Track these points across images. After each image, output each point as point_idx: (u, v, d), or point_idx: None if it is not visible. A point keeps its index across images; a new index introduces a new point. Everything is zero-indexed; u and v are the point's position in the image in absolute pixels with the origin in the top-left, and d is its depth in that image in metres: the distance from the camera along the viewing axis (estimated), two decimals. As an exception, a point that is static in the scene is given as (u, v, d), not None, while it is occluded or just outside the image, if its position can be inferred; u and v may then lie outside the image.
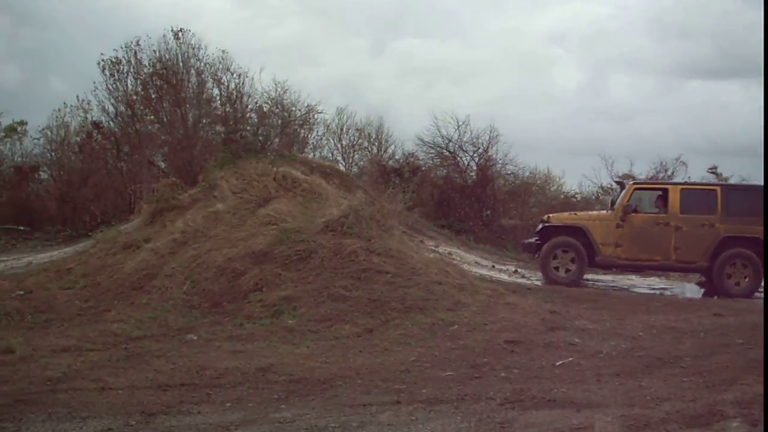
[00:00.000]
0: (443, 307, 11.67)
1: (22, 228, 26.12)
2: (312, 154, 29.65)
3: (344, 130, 35.29)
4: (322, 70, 58.71)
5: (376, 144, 35.62)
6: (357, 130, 35.55)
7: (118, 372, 8.77)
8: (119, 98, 27.31)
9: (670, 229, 17.59)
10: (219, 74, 26.87)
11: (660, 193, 18.23)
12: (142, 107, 27.40)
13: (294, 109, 27.33)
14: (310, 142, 31.99)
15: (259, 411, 7.25)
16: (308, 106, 27.45)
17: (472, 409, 7.23)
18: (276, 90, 27.13)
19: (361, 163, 35.92)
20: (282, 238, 13.52)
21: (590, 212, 20.32)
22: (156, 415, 7.18)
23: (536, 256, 18.71)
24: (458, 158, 30.62)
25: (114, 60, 27.15)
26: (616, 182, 21.71)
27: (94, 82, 27.74)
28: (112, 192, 27.97)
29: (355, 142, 35.67)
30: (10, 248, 22.84)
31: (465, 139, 30.24)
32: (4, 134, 31.39)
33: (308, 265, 12.83)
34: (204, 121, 26.78)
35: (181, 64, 26.69)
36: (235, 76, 26.82)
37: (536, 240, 18.58)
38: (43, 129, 30.67)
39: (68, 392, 8.02)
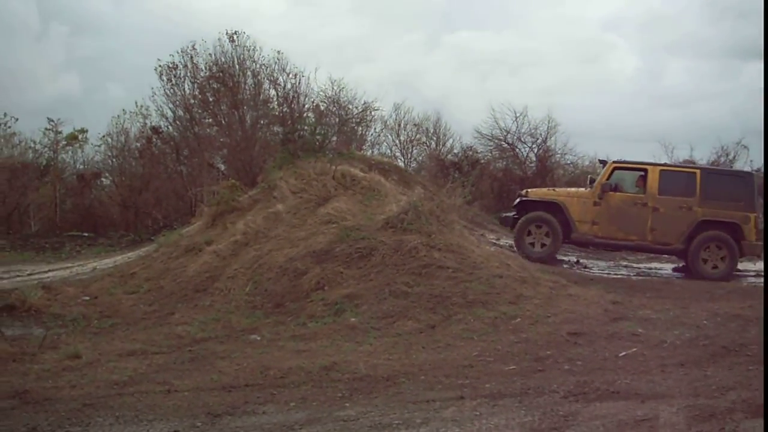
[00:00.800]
0: (505, 300, 11.60)
1: (86, 234, 26.50)
2: (370, 151, 29.73)
3: (402, 125, 35.26)
4: (378, 67, 58.84)
5: (434, 139, 35.55)
6: (415, 125, 35.51)
7: (183, 374, 8.85)
8: (177, 103, 27.61)
9: (647, 209, 17.57)
10: (275, 75, 27.03)
11: (642, 173, 18.04)
12: (200, 111, 27.66)
13: (351, 106, 27.46)
14: (368, 139, 32.08)
15: (324, 410, 7.27)
16: (365, 103, 27.54)
17: (535, 402, 7.19)
18: (332, 88, 27.30)
19: (420, 158, 35.91)
20: (342, 237, 13.56)
21: (569, 189, 20.31)
22: (221, 416, 7.24)
23: (513, 229, 18.61)
24: (517, 150, 30.57)
25: (171, 65, 27.44)
26: (599, 161, 21.45)
27: (152, 88, 28.07)
28: (173, 196, 28.35)
29: (413, 138, 35.62)
30: (75, 255, 23.16)
31: (523, 130, 30.19)
32: (65, 142, 31.90)
33: (369, 262, 12.83)
34: (262, 122, 26.95)
35: (237, 67, 26.88)
36: (291, 76, 26.97)
37: (514, 214, 18.65)
38: (104, 136, 31.18)
39: (134, 395, 8.12)
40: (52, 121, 31.40)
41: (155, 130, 29.43)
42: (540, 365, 8.71)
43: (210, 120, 28.00)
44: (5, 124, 33.86)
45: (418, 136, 35.75)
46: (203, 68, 27.50)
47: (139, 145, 30.29)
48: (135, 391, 8.30)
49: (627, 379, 7.98)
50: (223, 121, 27.14)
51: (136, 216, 28.51)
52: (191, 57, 27.26)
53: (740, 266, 18.25)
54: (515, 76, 62.90)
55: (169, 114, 28.11)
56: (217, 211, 16.10)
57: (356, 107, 27.81)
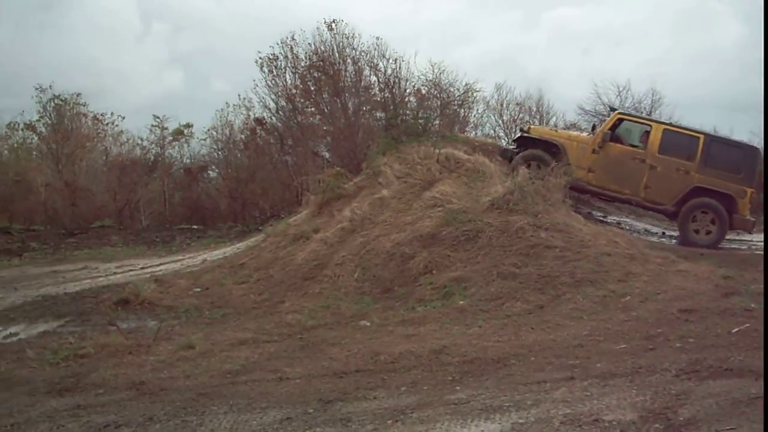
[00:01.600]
0: (614, 278, 11.45)
1: (195, 227, 27.06)
2: (473, 132, 29.50)
3: (504, 105, 34.86)
4: (477, 48, 58.50)
5: (538, 117, 35.06)
6: (517, 104, 35.07)
7: (294, 362, 9.00)
8: (279, 93, 27.90)
9: (644, 166, 17.19)
10: (375, 61, 27.02)
11: (647, 128, 17.63)
12: (302, 100, 27.91)
13: (452, 89, 27.27)
14: (471, 120, 31.82)
15: (434, 393, 7.32)
16: (466, 85, 27.31)
17: (647, 381, 7.11)
18: (433, 72, 27.15)
19: (524, 137, 35.56)
20: (449, 220, 13.57)
21: (570, 132, 19.90)
22: (333, 402, 7.35)
23: (509, 162, 18.07)
24: (621, 125, 30.03)
25: (271, 56, 27.73)
26: (609, 108, 20.77)
27: (254, 80, 28.40)
28: (279, 185, 28.69)
29: (516, 117, 35.18)
30: (185, 247, 23.65)
31: (627, 105, 29.58)
32: (172, 138, 32.59)
33: (476, 244, 12.83)
34: (364, 108, 27.02)
35: (336, 55, 27.00)
36: (390, 61, 26.94)
37: (513, 148, 18.53)
38: (209, 129, 31.77)
39: (247, 384, 8.30)
40: (158, 117, 32.17)
41: (259, 121, 29.83)
42: (651, 343, 8.59)
43: (312, 109, 28.22)
44: (113, 123, 34.86)
45: (521, 115, 35.38)
46: (303, 58, 27.71)
47: (243, 137, 30.76)
48: (248, 379, 8.48)
49: (740, 356, 7.82)
50: (326, 110, 27.31)
51: (243, 207, 28.94)
52: (291, 47, 27.51)
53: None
54: (617, 49, 61.78)
55: (272, 105, 28.45)
56: (323, 199, 16.26)
57: (457, 89, 27.57)
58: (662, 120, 18.20)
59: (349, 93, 26.68)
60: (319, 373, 8.45)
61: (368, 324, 10.62)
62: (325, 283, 12.85)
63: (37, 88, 33.40)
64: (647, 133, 17.49)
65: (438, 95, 26.76)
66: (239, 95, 31.27)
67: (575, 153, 17.52)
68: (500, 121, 34.85)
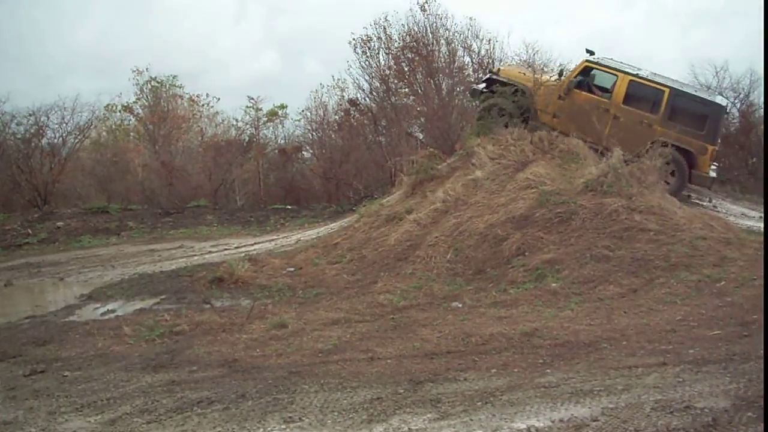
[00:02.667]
0: (709, 262, 11.31)
1: (289, 207, 27.36)
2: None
3: (599, 86, 34.54)
4: (572, 28, 57.68)
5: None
6: (613, 85, 34.71)
7: (386, 342, 9.12)
8: (373, 74, 28.13)
9: (608, 116, 17.14)
10: (468, 41, 27.07)
11: (614, 78, 17.55)
12: (395, 81, 28.07)
13: (546, 69, 27.09)
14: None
15: (525, 376, 7.35)
16: (560, 65, 27.07)
17: (741, 369, 7.00)
18: (526, 52, 26.98)
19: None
20: (542, 201, 13.55)
21: (542, 77, 19.16)
22: (423, 383, 7.43)
23: (479, 100, 18.46)
24: (719, 105, 29.38)
25: (365, 38, 27.99)
26: (586, 50, 20.29)
27: (348, 61, 28.70)
28: (372, 166, 28.85)
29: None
30: (279, 227, 23.95)
31: (724, 85, 28.89)
32: (266, 119, 32.98)
33: (569, 226, 12.79)
34: (458, 89, 27.02)
35: (430, 35, 27.08)
36: (484, 42, 26.94)
37: (482, 88, 18.59)
38: (303, 110, 32.18)
39: (339, 363, 8.44)
40: (253, 98, 32.62)
41: (353, 102, 30.05)
42: (746, 330, 8.45)
43: (406, 89, 28.33)
44: (208, 104, 35.51)
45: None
46: (397, 39, 27.90)
47: (337, 117, 31.03)
48: (339, 359, 8.62)
49: (841, 344, 7.69)
50: (419, 90, 27.38)
51: (337, 187, 29.16)
52: (384, 28, 27.71)
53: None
54: (715, 28, 60.28)
55: (366, 86, 28.70)
56: (417, 180, 16.33)
57: (552, 70, 27.43)
58: (631, 70, 17.87)
59: (443, 74, 26.74)
60: (410, 353, 8.55)
61: (460, 305, 10.68)
62: (418, 264, 12.95)
63: (134, 71, 34.33)
64: (613, 83, 17.50)
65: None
66: (333, 76, 31.64)
67: (541, 97, 17.76)
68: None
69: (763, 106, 14.64)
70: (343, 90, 31.12)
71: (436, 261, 12.86)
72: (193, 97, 35.97)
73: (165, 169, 30.99)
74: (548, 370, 7.48)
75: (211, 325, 10.85)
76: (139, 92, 34.87)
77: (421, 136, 28.06)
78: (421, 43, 27.07)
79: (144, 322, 11.55)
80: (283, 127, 33.85)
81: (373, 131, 29.79)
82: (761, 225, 15.76)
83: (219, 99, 36.79)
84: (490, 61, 26.82)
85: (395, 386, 7.39)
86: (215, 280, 13.82)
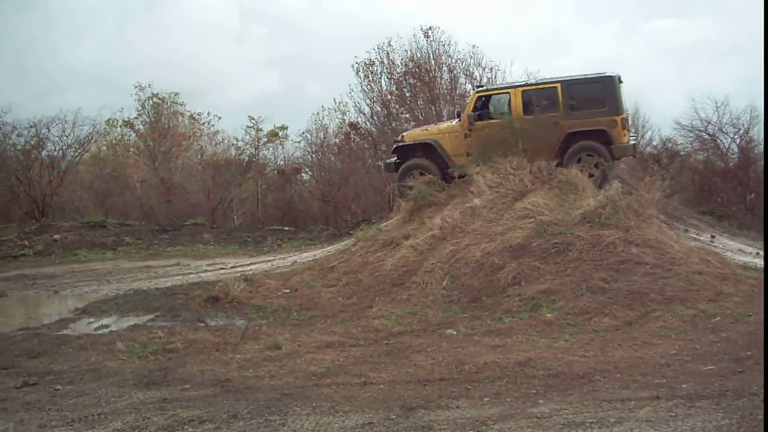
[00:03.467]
0: (704, 297, 11.29)
1: (287, 228, 27.43)
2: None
3: (599, 118, 34.62)
4: (574, 58, 58.05)
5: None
6: (613, 117, 34.79)
7: (379, 367, 9.13)
8: (374, 98, 28.31)
9: (515, 132, 17.12)
10: (471, 69, 27.24)
11: (507, 96, 17.78)
12: (396, 106, 28.23)
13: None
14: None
15: (517, 406, 7.35)
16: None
17: (734, 405, 7.00)
18: (527, 79, 27.13)
19: (618, 151, 35.13)
20: (539, 231, 13.56)
21: (440, 125, 19.58)
22: (416, 409, 7.44)
23: (396, 174, 18.73)
24: (718, 141, 29.44)
25: (367, 62, 28.17)
26: (477, 86, 20.94)
27: (350, 85, 28.99)
28: (371, 190, 28.96)
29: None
30: (276, 248, 23.95)
31: (724, 121, 29.03)
32: (266, 139, 33.14)
33: (566, 257, 12.80)
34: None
35: (432, 62, 27.26)
36: (486, 70, 27.09)
37: (395, 159, 18.82)
38: (303, 132, 32.45)
39: (332, 387, 8.46)
40: (254, 118, 32.88)
41: (353, 125, 30.19)
42: (740, 366, 8.44)
43: (407, 115, 28.46)
44: (209, 123, 35.69)
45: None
46: (399, 64, 28.09)
47: (337, 140, 31.21)
48: (332, 382, 8.64)
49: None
50: (420, 116, 27.48)
51: (335, 210, 29.23)
52: (387, 53, 27.91)
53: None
54: (715, 64, 60.57)
55: (367, 110, 28.89)
56: (415, 206, 16.36)
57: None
58: (519, 83, 18.51)
59: (444, 100, 26.89)
60: (403, 379, 8.56)
61: (454, 333, 10.68)
62: (414, 290, 12.96)
63: (136, 86, 34.53)
64: (508, 101, 17.69)
65: (534, 105, 26.73)
66: (334, 99, 31.72)
67: (450, 144, 17.96)
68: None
69: (763, 104, 14.69)
70: (344, 113, 31.35)
71: (432, 287, 12.87)
72: (194, 115, 36.21)
73: (164, 185, 31.10)
74: (541, 401, 7.48)
75: (205, 343, 10.86)
76: (140, 108, 35.12)
77: (420, 162, 28.13)
78: (424, 69, 27.23)
79: (138, 338, 11.57)
80: (283, 148, 34.08)
81: (372, 155, 29.91)
82: (758, 261, 15.78)
83: (220, 118, 37.03)
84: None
85: (387, 412, 7.40)
86: (210, 299, 13.83)
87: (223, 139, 36.52)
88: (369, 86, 28.34)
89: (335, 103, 31.99)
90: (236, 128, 46.75)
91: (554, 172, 16.20)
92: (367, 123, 29.35)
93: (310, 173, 32.62)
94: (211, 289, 14.40)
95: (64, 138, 32.22)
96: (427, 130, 19.16)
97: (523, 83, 18.36)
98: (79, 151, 33.22)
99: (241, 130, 35.18)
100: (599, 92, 17.21)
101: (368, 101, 28.65)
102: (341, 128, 31.02)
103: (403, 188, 18.06)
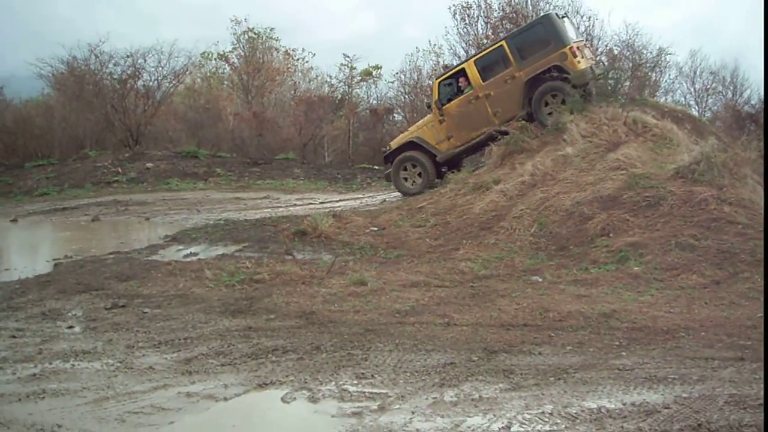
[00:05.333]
0: (797, 260, 11.07)
1: (376, 167, 27.50)
2: (663, 98, 28.78)
3: (697, 73, 33.81)
4: (675, 11, 56.55)
5: (731, 88, 33.87)
6: (711, 73, 33.94)
7: (463, 309, 9.18)
8: (470, 42, 28.07)
9: (482, 100, 18.17)
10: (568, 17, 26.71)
11: (462, 74, 18.59)
12: (491, 51, 27.89)
13: (645, 51, 26.68)
14: (662, 85, 31.12)
15: (599, 356, 7.34)
16: (660, 48, 26.70)
17: (821, 370, 6.89)
18: (626, 32, 26.67)
19: (715, 107, 34.35)
20: (631, 184, 13.37)
21: (417, 123, 20.56)
22: (497, 352, 7.50)
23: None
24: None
25: (465, 5, 27.93)
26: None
27: (445, 27, 28.73)
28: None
29: (708, 86, 34.09)
30: (366, 186, 24.13)
31: (827, 80, 28.10)
32: (360, 78, 33.10)
33: (656, 211, 12.61)
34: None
35: (530, 8, 26.88)
36: (584, 18, 26.60)
37: (389, 170, 19.56)
38: (397, 73, 32.20)
39: (415, 325, 8.55)
40: (348, 56, 32.79)
41: (447, 68, 29.94)
42: (828, 333, 8.30)
43: (501, 59, 28.14)
44: (303, 59, 35.72)
45: (714, 84, 34.21)
46: (496, 8, 27.73)
47: (431, 82, 30.94)
48: (416, 321, 8.73)
49: None
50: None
51: (425, 152, 29.15)
52: (485, -4, 27.49)
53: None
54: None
55: (462, 53, 28.63)
56: (506, 152, 16.24)
57: (650, 52, 26.97)
58: (469, 56, 20.29)
59: (541, 48, 26.45)
60: (486, 322, 8.59)
61: (540, 280, 10.66)
62: (501, 235, 12.95)
63: (232, 20, 34.62)
64: (465, 77, 18.48)
65: (630, 57, 26.26)
66: (429, 41, 31.48)
67: (431, 135, 18.94)
68: (692, 89, 33.81)
69: (763, 104, 14.59)
70: (438, 55, 31.18)
71: (520, 233, 12.84)
72: (288, 51, 36.26)
73: (256, 119, 31.32)
74: (623, 353, 7.45)
75: (292, 276, 11.03)
76: (235, 42, 35.30)
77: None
78: (520, 15, 26.86)
79: (225, 267, 11.79)
80: (376, 87, 34.06)
81: (466, 99, 29.68)
82: None
83: (314, 55, 37.04)
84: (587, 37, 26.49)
85: (469, 353, 7.46)
86: (298, 233, 14.03)
87: (316, 76, 36.65)
88: (465, 29, 28.13)
89: (430, 45, 31.89)
90: (330, 66, 46.95)
91: (649, 124, 15.94)
92: (462, 66, 29.15)
93: (402, 114, 32.56)
94: (300, 223, 14.58)
95: (160, 69, 32.67)
96: (407, 131, 20.24)
97: (473, 55, 20.08)
98: (173, 82, 33.65)
99: (334, 67, 35.29)
100: (541, 33, 17.86)
101: (463, 44, 28.46)
102: (435, 70, 30.83)
103: (399, 184, 19.16)
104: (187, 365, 7.54)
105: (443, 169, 19.08)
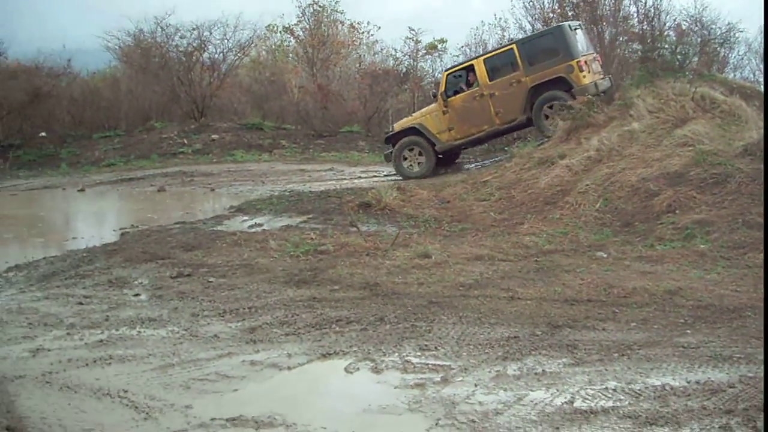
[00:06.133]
0: None
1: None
2: (732, 74, 28.20)
3: (767, 50, 33.10)
4: (757, -17, 55.26)
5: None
6: (781, 49, 33.22)
7: (527, 283, 9.15)
8: (536, 16, 27.83)
9: (486, 98, 18.79)
10: (636, -11, 26.40)
11: (472, 68, 19.25)
12: (557, 25, 27.69)
13: (714, 27, 26.17)
14: (730, 61, 30.48)
15: (664, 333, 7.28)
16: (729, 24, 26.14)
17: None
18: (695, 7, 26.24)
19: (786, 85, 33.66)
20: (698, 160, 13.18)
21: (421, 111, 21.05)
22: (561, 327, 7.49)
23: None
24: None
25: (531, -22, 27.55)
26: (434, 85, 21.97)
27: (512, 1, 28.33)
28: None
29: (779, 63, 33.38)
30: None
31: None
32: (425, 51, 32.99)
33: (724, 189, 12.41)
34: (620, 39, 26.47)
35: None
36: (651, -10, 26.19)
37: (389, 151, 20.08)
38: (462, 46, 31.96)
39: (478, 298, 8.55)
40: (413, 30, 32.66)
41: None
42: None
43: (567, 35, 27.91)
44: (368, 32, 35.70)
45: (784, 61, 33.48)
46: (563, -19, 27.38)
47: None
48: (479, 294, 8.73)
49: None
50: (582, 37, 26.95)
51: (499, 126, 29.10)
52: (552, -31, 27.22)
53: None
54: None
55: (528, 27, 28.36)
56: (572, 126, 16.14)
57: (719, 28, 26.43)
58: (480, 54, 20.97)
59: (607, 22, 26.25)
60: (550, 297, 8.57)
61: (605, 256, 10.58)
62: (566, 210, 12.87)
63: (297, -7, 34.50)
64: (473, 72, 19.15)
65: (698, 32, 25.78)
66: (495, 15, 31.21)
67: (432, 123, 19.43)
68: (761, 66, 33.08)
69: (763, 103, 14.35)
70: (504, 29, 30.87)
71: (585, 209, 12.75)
72: (353, 24, 36.24)
73: (321, 92, 31.44)
74: (688, 331, 7.38)
75: (356, 247, 11.11)
76: (300, 15, 35.27)
77: (575, 83, 27.73)
78: (587, -12, 26.56)
79: (290, 238, 11.92)
80: (441, 61, 33.80)
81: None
82: None
83: (379, 28, 37.02)
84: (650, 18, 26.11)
85: (533, 327, 7.47)
86: (363, 205, 14.16)
87: (381, 49, 36.53)
88: (531, 3, 27.81)
89: (495, 18, 31.70)
90: (395, 39, 46.78)
91: (717, 101, 15.71)
92: (528, 41, 28.99)
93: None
94: (364, 195, 14.73)
95: (225, 41, 32.95)
96: (411, 116, 20.85)
97: (483, 53, 20.79)
98: (239, 54, 33.90)
99: (399, 41, 35.18)
100: (552, 43, 18.46)
101: (530, 18, 28.15)
102: (501, 44, 30.70)
103: (400, 168, 19.61)
104: (252, 334, 7.64)
105: (439, 156, 19.78)
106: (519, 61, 18.42)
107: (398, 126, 20.36)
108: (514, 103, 18.53)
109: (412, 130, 19.59)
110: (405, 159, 19.47)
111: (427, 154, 19.35)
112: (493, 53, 19.64)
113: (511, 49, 18.87)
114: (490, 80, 18.73)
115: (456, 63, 21.51)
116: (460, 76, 19.53)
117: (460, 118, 19.09)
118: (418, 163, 19.38)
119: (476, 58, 19.68)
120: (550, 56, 18.28)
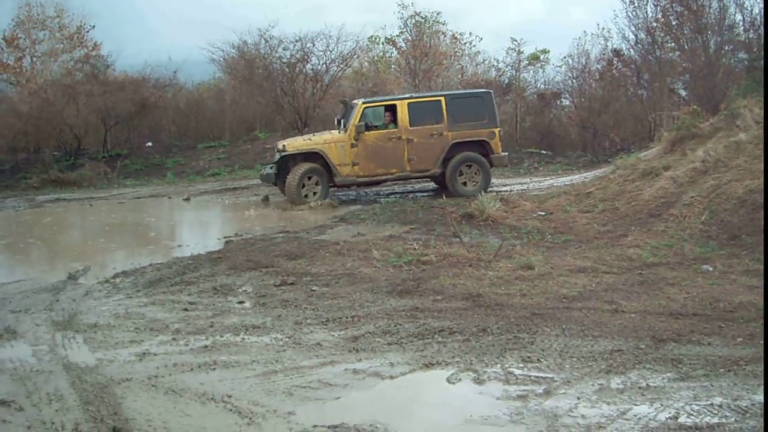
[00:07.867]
0: None
1: (544, 152, 27.43)
2: None
3: None
4: None
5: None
6: None
7: (631, 296, 9.04)
8: (639, 26, 27.55)
9: (402, 142, 18.63)
10: (743, -1, 25.93)
11: (391, 108, 18.85)
12: (662, 34, 27.41)
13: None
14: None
15: (771, 350, 7.14)
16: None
17: None
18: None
19: None
20: (808, 172, 12.89)
21: (324, 135, 19.82)
22: (666, 341, 7.36)
23: (275, 185, 19.66)
24: None
25: (634, -13, 27.33)
26: (340, 101, 21.90)
27: (614, 10, 28.35)
28: (631, 119, 28.51)
29: None
30: (533, 171, 24.01)
31: None
32: (527, 62, 32.95)
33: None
34: (726, 48, 25.98)
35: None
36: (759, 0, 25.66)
37: (274, 172, 19.11)
38: (565, 57, 31.88)
39: (582, 311, 8.47)
40: (515, 40, 32.65)
41: (616, 52, 29.64)
42: None
43: (672, 44, 27.60)
44: (470, 43, 35.78)
45: None
46: (666, -10, 27.06)
47: (599, 67, 30.64)
48: (583, 306, 8.65)
49: None
50: (686, 46, 26.60)
51: (593, 137, 28.88)
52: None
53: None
54: None
55: (631, 37, 28.16)
56: (677, 137, 15.94)
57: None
58: (405, 96, 19.61)
59: (712, 31, 25.78)
60: (654, 310, 8.44)
61: (710, 269, 10.37)
62: (671, 222, 12.68)
63: (399, 5, 34.77)
64: (392, 112, 18.81)
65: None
66: (597, 24, 30.97)
67: (336, 153, 18.66)
68: None
69: (763, 103, 13.86)
70: (606, 39, 30.66)
71: (690, 221, 12.54)
72: (456, 35, 36.32)
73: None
74: (797, 347, 7.22)
75: (459, 258, 11.10)
76: (402, 26, 35.45)
77: (683, 93, 27.32)
78: (692, -2, 26.16)
79: (393, 248, 11.98)
80: (543, 71, 33.77)
81: (634, 84, 29.27)
82: None
83: (481, 39, 37.09)
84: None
85: (637, 341, 7.37)
86: (465, 216, 14.24)
87: (483, 60, 36.56)
88: (634, 12, 27.51)
89: (598, 28, 31.45)
90: (497, 50, 46.72)
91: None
92: (631, 50, 28.70)
93: (569, 98, 32.25)
94: (467, 206, 14.74)
95: (328, 53, 33.15)
96: (311, 139, 19.52)
97: (409, 96, 19.74)
98: (341, 66, 34.12)
99: (501, 51, 35.11)
100: (479, 106, 18.95)
101: (633, 28, 27.86)
102: (603, 54, 30.44)
103: (297, 197, 18.59)
104: (354, 343, 7.70)
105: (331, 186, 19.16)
106: (445, 114, 18.68)
107: (292, 147, 19.20)
108: (430, 154, 18.72)
109: (312, 156, 18.78)
110: (303, 186, 18.54)
111: (323, 184, 18.68)
112: (419, 99, 19.47)
113: (440, 100, 18.98)
114: (410, 125, 18.67)
115: (377, 98, 21.15)
116: (378, 112, 19.09)
117: (368, 156, 18.70)
118: (314, 193, 18.58)
119: (400, 99, 19.28)
120: (476, 118, 18.80)
